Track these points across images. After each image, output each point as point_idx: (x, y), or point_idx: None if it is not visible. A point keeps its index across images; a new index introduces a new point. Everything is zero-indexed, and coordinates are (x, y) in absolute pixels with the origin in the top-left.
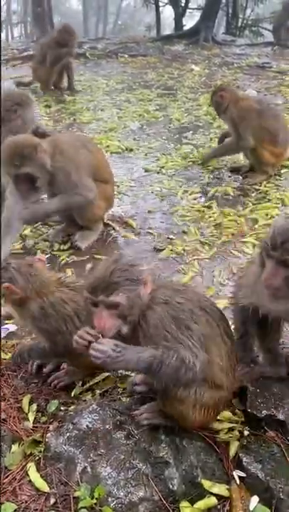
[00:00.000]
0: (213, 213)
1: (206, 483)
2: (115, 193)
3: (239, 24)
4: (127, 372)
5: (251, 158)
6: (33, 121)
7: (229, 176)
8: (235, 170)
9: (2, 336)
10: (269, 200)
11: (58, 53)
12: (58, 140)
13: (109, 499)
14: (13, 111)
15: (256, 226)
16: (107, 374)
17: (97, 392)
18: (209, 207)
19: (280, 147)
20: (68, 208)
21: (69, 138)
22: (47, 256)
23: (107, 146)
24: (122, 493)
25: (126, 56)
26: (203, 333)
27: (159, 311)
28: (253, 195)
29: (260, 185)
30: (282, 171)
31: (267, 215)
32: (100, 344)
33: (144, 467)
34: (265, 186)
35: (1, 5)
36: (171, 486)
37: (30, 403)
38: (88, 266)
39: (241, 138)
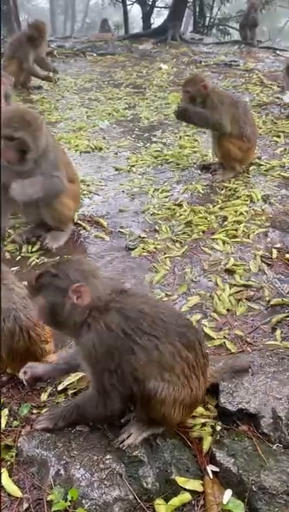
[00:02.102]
0: (184, 211)
1: (180, 480)
2: (86, 192)
3: (206, 23)
4: None
5: (219, 154)
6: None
7: (199, 174)
8: (205, 168)
9: None
10: (238, 197)
11: (28, 50)
12: None
13: (84, 501)
14: None
15: (226, 223)
16: (81, 374)
17: (70, 393)
18: (180, 205)
19: (247, 142)
20: (47, 193)
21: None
22: (17, 258)
23: (76, 146)
24: (96, 494)
25: (94, 55)
26: (142, 363)
27: (92, 336)
28: (222, 192)
29: (229, 183)
30: (250, 168)
31: (236, 211)
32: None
33: (118, 467)
34: (233, 183)
35: None
36: (145, 485)
37: (2, 407)
38: None
39: (216, 112)
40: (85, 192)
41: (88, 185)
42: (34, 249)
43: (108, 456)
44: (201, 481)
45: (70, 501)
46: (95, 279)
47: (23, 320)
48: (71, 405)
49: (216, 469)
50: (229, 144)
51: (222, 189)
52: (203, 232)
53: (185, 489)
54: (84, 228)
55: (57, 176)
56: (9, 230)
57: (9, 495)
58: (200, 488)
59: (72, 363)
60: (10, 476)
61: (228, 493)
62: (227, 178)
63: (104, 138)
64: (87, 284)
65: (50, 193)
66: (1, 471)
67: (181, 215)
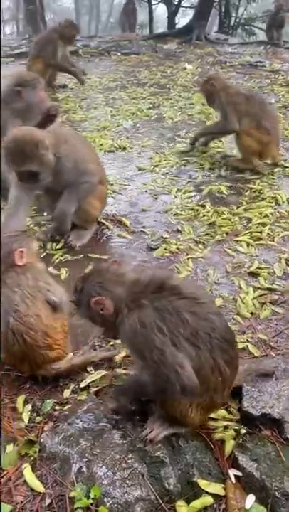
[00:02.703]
0: (207, 212)
1: (202, 483)
2: (109, 191)
3: (232, 23)
4: (123, 371)
5: (236, 145)
6: (42, 104)
7: (223, 175)
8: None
9: None
10: (263, 199)
11: (57, 48)
12: (62, 131)
13: (105, 499)
14: (15, 92)
15: (250, 225)
16: (103, 372)
17: (92, 390)
18: (203, 205)
19: (266, 135)
20: (79, 201)
21: (72, 132)
22: (41, 256)
23: (100, 145)
24: (118, 493)
25: (119, 54)
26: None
27: (127, 328)
28: (246, 193)
29: (254, 184)
30: (275, 170)
31: (261, 213)
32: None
33: (139, 467)
34: (258, 185)
35: None
36: (167, 486)
37: (25, 403)
38: (90, 266)
39: (228, 120)
40: (108, 191)
41: (112, 185)
42: (58, 247)
43: (130, 456)
44: (223, 485)
45: (92, 499)
46: (117, 286)
47: (13, 324)
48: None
49: (239, 473)
50: (246, 136)
51: (246, 190)
52: (227, 233)
53: (207, 492)
54: (107, 227)
55: (86, 182)
56: (34, 227)
57: (32, 489)
58: (222, 492)
59: None
60: (33, 471)
61: (251, 498)
62: (242, 168)
63: (128, 137)
64: (107, 294)
65: (82, 199)
66: (24, 465)
67: (204, 215)
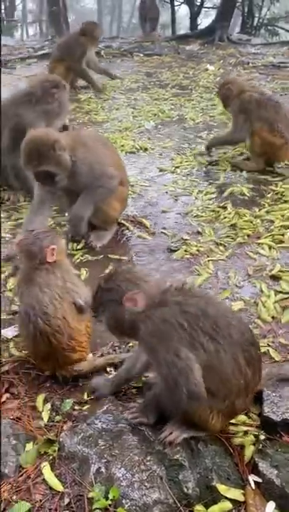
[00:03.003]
0: (229, 214)
1: (221, 487)
2: (130, 192)
3: (255, 23)
4: None
5: (247, 147)
6: (68, 106)
7: (245, 177)
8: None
9: (14, 334)
10: (285, 202)
11: (84, 52)
12: (80, 133)
13: (124, 501)
14: (52, 94)
15: (272, 227)
16: None
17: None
18: (224, 207)
19: (280, 138)
20: (96, 204)
21: (91, 133)
22: None
23: (122, 146)
24: (136, 495)
25: (141, 55)
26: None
27: (148, 326)
28: (269, 196)
29: (276, 186)
30: None
31: (283, 216)
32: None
33: (158, 469)
34: (281, 187)
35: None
36: (185, 489)
37: (45, 402)
38: (109, 267)
39: (237, 130)
40: (129, 192)
41: (132, 186)
42: (79, 247)
43: (149, 458)
44: (242, 491)
45: (110, 500)
46: (145, 283)
47: (41, 325)
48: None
49: (259, 480)
50: (256, 138)
51: (269, 193)
52: (248, 236)
53: (226, 497)
54: (127, 228)
55: (102, 186)
56: (55, 228)
57: (51, 488)
58: (241, 498)
59: (131, 372)
60: (52, 470)
61: (271, 506)
62: (248, 169)
63: (149, 138)
64: (140, 289)
65: (100, 202)
66: (44, 464)
67: (225, 217)
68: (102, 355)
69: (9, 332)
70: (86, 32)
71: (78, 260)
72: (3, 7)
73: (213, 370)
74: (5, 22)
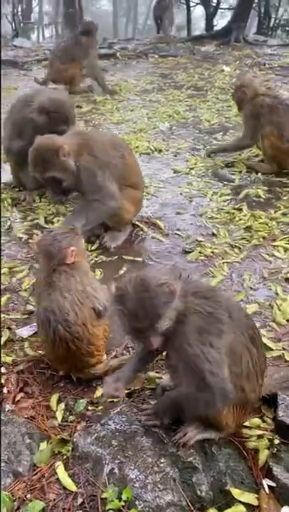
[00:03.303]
0: (244, 216)
1: (235, 491)
2: (144, 193)
3: (271, 24)
4: (156, 375)
5: (262, 149)
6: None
7: (260, 179)
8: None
9: (29, 334)
10: None
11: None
12: (90, 138)
13: (137, 502)
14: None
15: (288, 229)
16: None
17: (125, 392)
18: (239, 209)
19: (287, 143)
20: (97, 222)
21: (102, 137)
22: None
23: (136, 147)
24: (149, 497)
25: (156, 57)
26: (227, 345)
27: (190, 325)
28: (285, 198)
29: None
30: None
31: None
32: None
33: (172, 471)
34: None
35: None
36: (199, 492)
37: (59, 402)
38: (124, 269)
39: (244, 137)
40: (143, 193)
41: (147, 187)
42: (93, 248)
43: (162, 460)
44: (256, 495)
45: (124, 501)
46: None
47: (61, 331)
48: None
49: (273, 484)
50: (267, 142)
51: (285, 195)
52: (264, 238)
53: (239, 501)
54: (141, 229)
55: (98, 200)
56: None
57: (64, 488)
58: (255, 502)
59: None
60: (65, 469)
61: (285, 511)
62: (263, 171)
63: (164, 140)
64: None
65: (97, 219)
66: (57, 464)
67: (240, 219)
68: (115, 357)
69: (24, 332)
70: (86, 32)
71: (93, 261)
72: (20, 9)
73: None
74: (22, 24)
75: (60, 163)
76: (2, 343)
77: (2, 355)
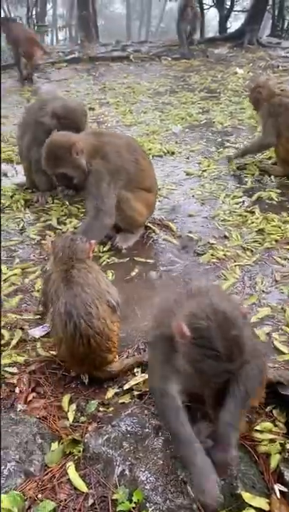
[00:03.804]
0: (256, 219)
1: (246, 496)
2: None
3: (285, 26)
4: None
5: (275, 151)
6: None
7: (273, 182)
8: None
9: (42, 334)
10: None
11: None
12: (105, 141)
13: (147, 504)
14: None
15: None
16: (147, 376)
17: (136, 394)
18: (252, 212)
19: None
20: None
21: (118, 140)
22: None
23: (149, 149)
24: (160, 499)
25: (169, 59)
26: None
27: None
28: None
29: None
30: None
31: None
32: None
33: (182, 474)
34: None
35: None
36: None
37: (70, 402)
38: (135, 270)
39: (265, 135)
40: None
41: (159, 189)
42: (105, 249)
43: (173, 462)
44: (267, 500)
45: (134, 503)
46: None
47: (83, 326)
48: None
49: (284, 489)
50: (280, 144)
51: None
52: (276, 241)
53: (250, 506)
54: (153, 231)
55: (97, 208)
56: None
57: (75, 488)
58: (266, 507)
59: None
60: (76, 470)
61: None
62: (275, 174)
63: (176, 142)
64: None
65: (94, 236)
66: (69, 464)
67: (252, 222)
68: (126, 357)
69: (37, 332)
70: None
71: (105, 262)
72: (34, 12)
73: None
74: (36, 27)
75: (72, 161)
76: (14, 343)
77: (14, 355)
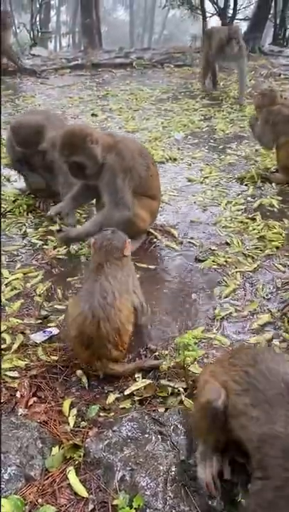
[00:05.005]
0: (257, 225)
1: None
2: None
3: (287, 35)
4: (167, 383)
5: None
6: None
7: (274, 189)
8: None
9: (45, 338)
10: None
11: None
12: (121, 140)
13: (148, 510)
14: None
15: None
16: (148, 382)
17: (136, 399)
18: (253, 219)
19: None
20: (101, 226)
21: (132, 144)
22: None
23: (151, 156)
24: (160, 505)
25: (172, 66)
26: None
27: None
28: None
29: None
30: None
31: None
32: None
33: (183, 480)
34: None
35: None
36: (210, 503)
37: (71, 407)
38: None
39: (264, 136)
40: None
41: (161, 195)
42: None
43: (174, 469)
44: None
45: (135, 508)
46: None
47: (97, 309)
48: None
49: None
50: (279, 152)
51: None
52: (277, 248)
53: None
54: (155, 237)
55: (113, 208)
56: None
57: (76, 493)
58: None
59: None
60: (77, 475)
61: None
62: (276, 181)
63: (178, 149)
64: None
65: (104, 224)
66: (69, 469)
67: (254, 229)
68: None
69: (38, 337)
70: None
71: None
72: (38, 19)
73: None
74: (40, 33)
75: (86, 149)
76: (16, 347)
77: (15, 359)
